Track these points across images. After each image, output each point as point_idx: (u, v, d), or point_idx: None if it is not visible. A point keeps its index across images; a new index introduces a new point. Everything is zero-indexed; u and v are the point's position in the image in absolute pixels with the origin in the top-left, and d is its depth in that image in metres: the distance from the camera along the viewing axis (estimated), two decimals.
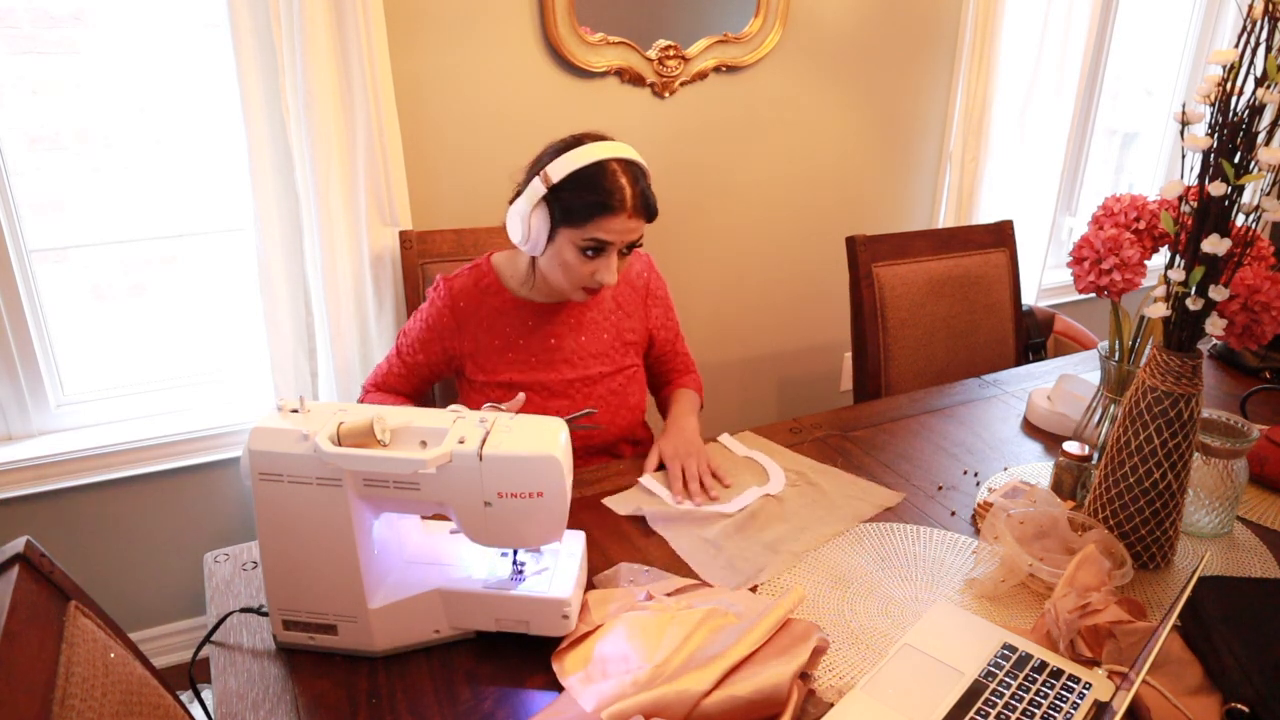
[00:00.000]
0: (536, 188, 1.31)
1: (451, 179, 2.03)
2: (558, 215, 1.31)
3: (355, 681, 0.98)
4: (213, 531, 2.04)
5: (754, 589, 1.14)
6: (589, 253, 1.33)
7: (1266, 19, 0.99)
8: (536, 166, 1.35)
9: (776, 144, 2.41)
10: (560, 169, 1.29)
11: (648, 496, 1.35)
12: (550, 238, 1.34)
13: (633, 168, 1.33)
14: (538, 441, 0.96)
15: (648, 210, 1.34)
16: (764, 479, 1.40)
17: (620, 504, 1.33)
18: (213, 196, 1.93)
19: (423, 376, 1.52)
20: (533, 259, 1.42)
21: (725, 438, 1.53)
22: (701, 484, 1.36)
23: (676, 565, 1.19)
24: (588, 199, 1.29)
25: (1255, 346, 1.26)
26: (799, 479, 1.40)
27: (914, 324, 2.02)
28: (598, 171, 1.30)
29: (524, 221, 1.33)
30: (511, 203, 1.38)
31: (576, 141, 1.33)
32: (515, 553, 1.04)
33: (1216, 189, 1.03)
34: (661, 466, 1.42)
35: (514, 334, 1.47)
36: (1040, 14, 2.53)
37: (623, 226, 1.32)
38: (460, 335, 1.47)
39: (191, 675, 1.04)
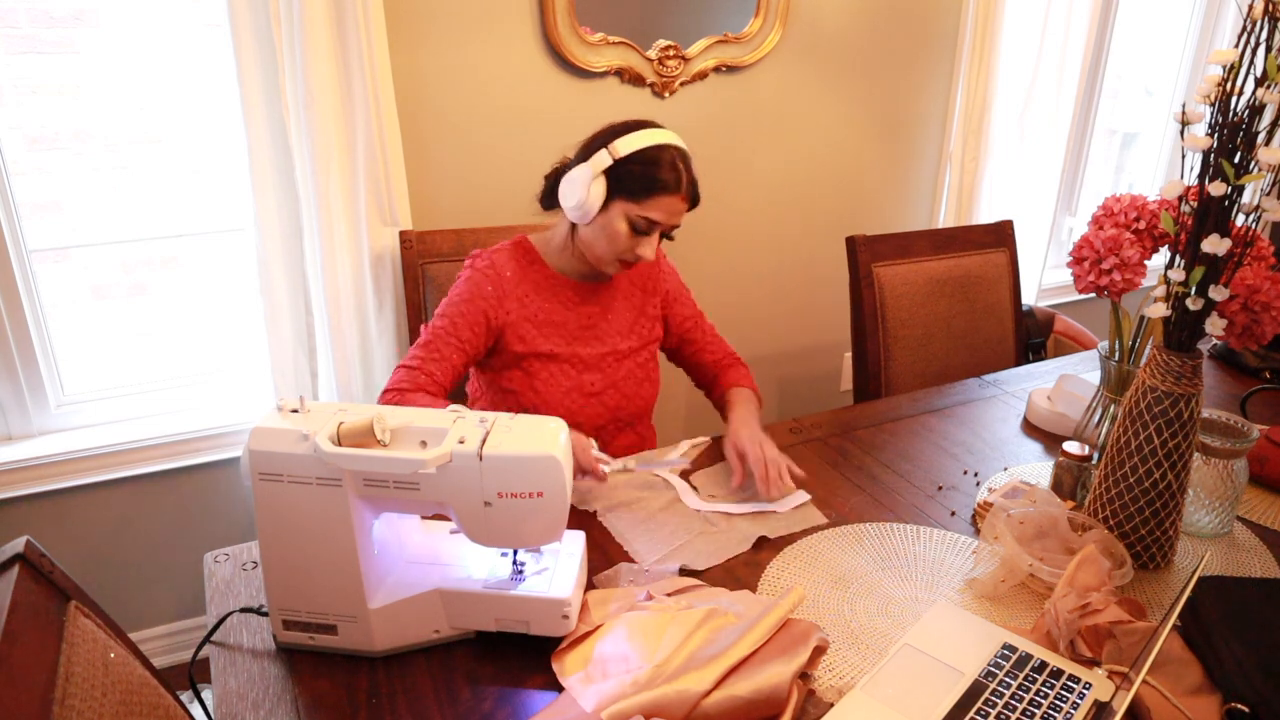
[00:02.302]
0: (602, 158, 1.38)
1: (451, 179, 2.03)
2: (617, 187, 1.39)
3: (355, 681, 0.98)
4: (213, 531, 2.04)
5: (754, 588, 1.15)
6: (637, 228, 1.40)
7: (1266, 19, 0.99)
8: (599, 141, 1.40)
9: (776, 144, 2.41)
10: (628, 145, 1.37)
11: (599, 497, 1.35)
12: (604, 207, 1.40)
13: (686, 156, 1.42)
14: (538, 441, 0.96)
15: (695, 198, 1.44)
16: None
17: (578, 499, 1.34)
18: (213, 196, 1.93)
19: (461, 360, 1.44)
20: (572, 228, 1.47)
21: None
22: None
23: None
24: (650, 176, 1.38)
25: (1255, 346, 1.26)
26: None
27: (914, 324, 2.02)
28: (661, 153, 1.39)
29: (584, 187, 1.38)
30: (559, 172, 1.45)
31: (636, 124, 1.41)
32: (515, 553, 1.04)
33: (1216, 189, 1.03)
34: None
35: (552, 306, 1.50)
36: (1040, 14, 2.53)
37: (674, 208, 1.41)
38: (502, 303, 1.47)
39: (191, 675, 1.04)
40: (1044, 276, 2.94)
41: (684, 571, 1.17)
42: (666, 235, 1.46)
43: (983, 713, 0.93)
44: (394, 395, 1.39)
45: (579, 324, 1.52)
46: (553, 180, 1.48)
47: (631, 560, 1.19)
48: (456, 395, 1.63)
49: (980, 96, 2.54)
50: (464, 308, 1.45)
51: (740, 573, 1.18)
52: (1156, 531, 1.19)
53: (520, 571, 1.03)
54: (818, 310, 2.68)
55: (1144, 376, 1.16)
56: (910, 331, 2.02)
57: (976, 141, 2.59)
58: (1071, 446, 1.34)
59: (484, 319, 1.46)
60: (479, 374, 1.57)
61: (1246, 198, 1.06)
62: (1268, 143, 1.02)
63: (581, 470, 1.33)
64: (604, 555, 1.21)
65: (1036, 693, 0.95)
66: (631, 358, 1.56)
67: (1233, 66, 1.02)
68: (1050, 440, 1.58)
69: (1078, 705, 0.94)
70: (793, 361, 2.72)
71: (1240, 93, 1.02)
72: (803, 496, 1.37)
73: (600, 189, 1.39)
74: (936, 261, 2.06)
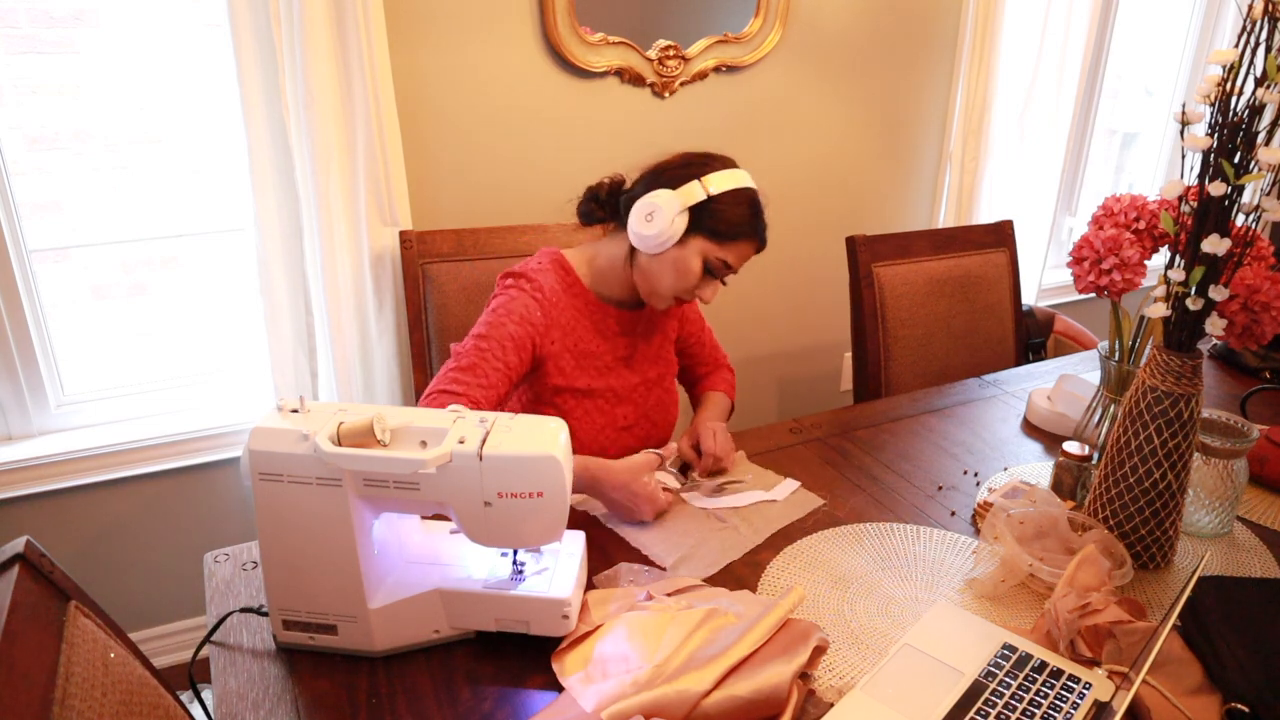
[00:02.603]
0: (694, 191, 1.30)
1: (451, 179, 2.03)
2: (700, 223, 1.32)
3: (355, 681, 0.98)
4: (213, 531, 2.04)
5: (754, 588, 1.15)
6: (710, 269, 1.34)
7: (1266, 19, 0.99)
8: (682, 172, 1.33)
9: (776, 144, 2.41)
10: (721, 183, 1.31)
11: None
12: (681, 241, 1.32)
13: (762, 201, 1.37)
14: (538, 441, 0.96)
15: (764, 246, 1.39)
16: (768, 486, 1.40)
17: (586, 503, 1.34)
18: (213, 196, 1.93)
19: (506, 387, 1.33)
20: (631, 253, 1.38)
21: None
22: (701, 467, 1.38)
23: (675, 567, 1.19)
24: (738, 218, 1.32)
25: (1255, 346, 1.26)
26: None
27: (914, 324, 2.02)
28: (751, 197, 1.34)
29: (668, 218, 1.29)
30: (614, 190, 1.40)
31: (720, 160, 1.35)
32: (515, 553, 1.04)
33: (1216, 189, 1.03)
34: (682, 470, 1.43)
35: (594, 336, 1.42)
36: (1040, 14, 2.53)
37: (747, 254, 1.36)
38: (549, 333, 1.37)
39: (191, 675, 1.04)
40: (1044, 276, 2.94)
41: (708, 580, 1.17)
42: (725, 280, 1.39)
43: (983, 713, 0.93)
44: None
45: (615, 355, 1.44)
46: (605, 195, 1.41)
47: (652, 564, 1.19)
48: None
49: (980, 96, 2.54)
50: (513, 330, 1.33)
51: (740, 573, 1.18)
52: (1156, 531, 1.19)
53: (520, 571, 1.03)
54: (818, 310, 2.68)
55: (1144, 376, 1.16)
56: (910, 331, 2.02)
57: (976, 141, 2.59)
58: (1071, 446, 1.34)
59: (530, 346, 1.35)
60: (511, 401, 1.47)
61: (1246, 198, 1.06)
62: (1268, 143, 1.02)
63: (652, 511, 1.28)
64: (604, 555, 1.21)
65: (1036, 693, 0.95)
66: (659, 384, 1.51)
67: (1233, 66, 1.02)
68: (1050, 440, 1.58)
69: (1078, 705, 0.94)
70: (793, 361, 2.72)
71: (1240, 93, 1.02)
72: (793, 484, 1.38)
73: (684, 222, 1.31)
74: (936, 261, 2.06)
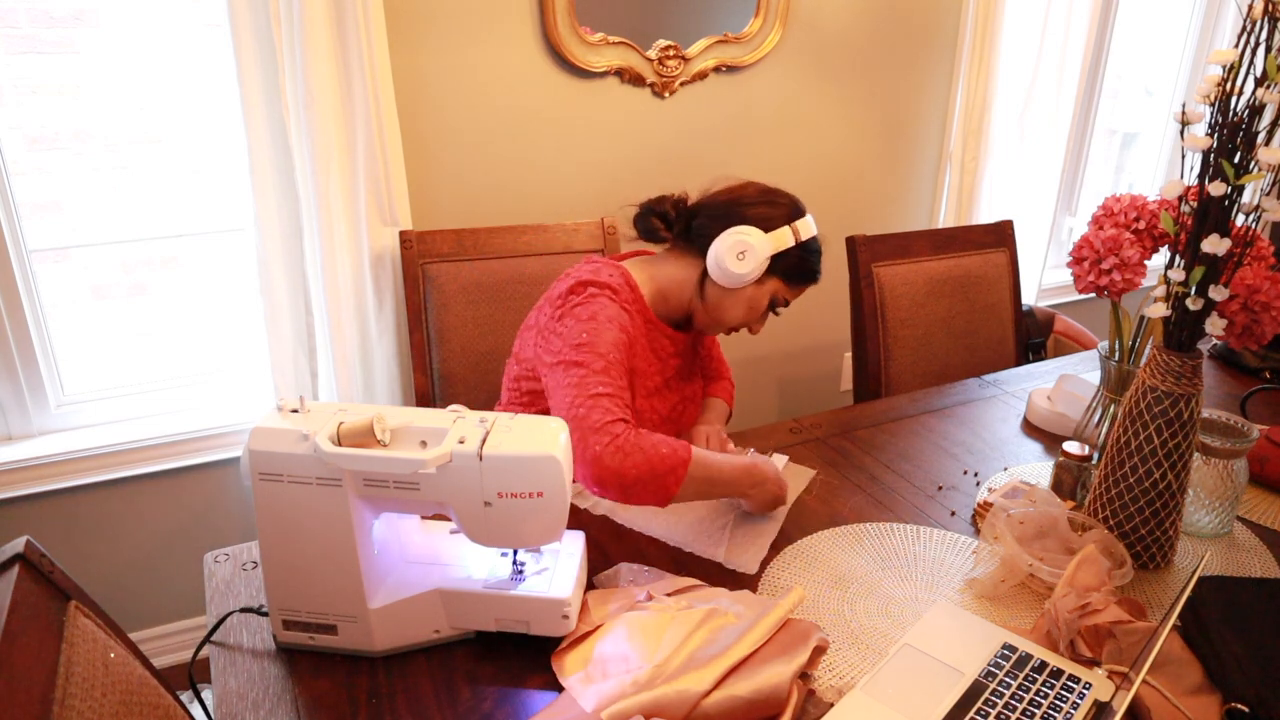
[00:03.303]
0: (786, 237, 1.33)
1: (451, 179, 2.03)
2: (783, 268, 1.36)
3: (355, 681, 0.98)
4: (213, 531, 2.04)
5: (754, 588, 1.15)
6: (775, 308, 1.40)
7: (1266, 19, 0.99)
8: (770, 212, 1.33)
9: (776, 144, 2.41)
10: (805, 230, 1.35)
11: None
12: (759, 280, 1.35)
13: None
14: (538, 441, 0.96)
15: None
16: None
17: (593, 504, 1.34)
18: (213, 196, 1.93)
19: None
20: (702, 281, 1.36)
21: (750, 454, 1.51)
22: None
23: (675, 567, 1.19)
24: (812, 267, 1.39)
25: (1255, 346, 1.26)
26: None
27: (914, 324, 2.02)
28: (819, 247, 1.40)
29: (760, 259, 1.31)
30: (678, 206, 1.40)
31: (796, 203, 1.37)
32: (515, 553, 1.04)
33: (1216, 189, 1.03)
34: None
35: (650, 355, 1.39)
36: (1040, 14, 2.53)
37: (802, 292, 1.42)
38: (632, 347, 1.32)
39: (191, 675, 1.04)
40: (1044, 276, 2.94)
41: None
42: None
43: (983, 713, 0.93)
44: (623, 427, 1.15)
45: (663, 376, 1.42)
46: (674, 215, 1.40)
47: (666, 565, 1.18)
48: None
49: (980, 96, 2.54)
50: (620, 339, 1.26)
51: (740, 572, 1.18)
52: (1156, 531, 1.19)
53: (520, 571, 1.03)
54: (818, 310, 2.68)
55: (1144, 376, 1.16)
56: (910, 331, 2.02)
57: (976, 141, 2.59)
58: (1071, 446, 1.34)
59: (629, 354, 1.30)
60: (533, 409, 1.39)
61: (1246, 198, 1.06)
62: (1268, 143, 1.02)
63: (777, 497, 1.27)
64: (604, 555, 1.21)
65: (1036, 693, 0.95)
66: (694, 401, 1.51)
67: (1233, 66, 1.02)
68: (1050, 440, 1.58)
69: (1078, 705, 0.94)
70: (793, 361, 2.72)
71: (1240, 93, 1.02)
72: (782, 458, 1.40)
73: (764, 263, 1.32)
74: (936, 261, 2.06)
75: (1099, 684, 0.97)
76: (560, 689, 0.96)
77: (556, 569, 1.04)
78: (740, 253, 1.30)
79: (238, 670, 1.00)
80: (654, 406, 1.40)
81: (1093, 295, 1.35)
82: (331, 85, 1.74)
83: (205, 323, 2.02)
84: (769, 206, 1.34)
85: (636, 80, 2.13)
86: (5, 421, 1.85)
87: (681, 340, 1.44)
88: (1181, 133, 1.09)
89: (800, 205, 1.38)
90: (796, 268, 1.36)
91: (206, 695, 1.71)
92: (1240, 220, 1.08)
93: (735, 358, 2.59)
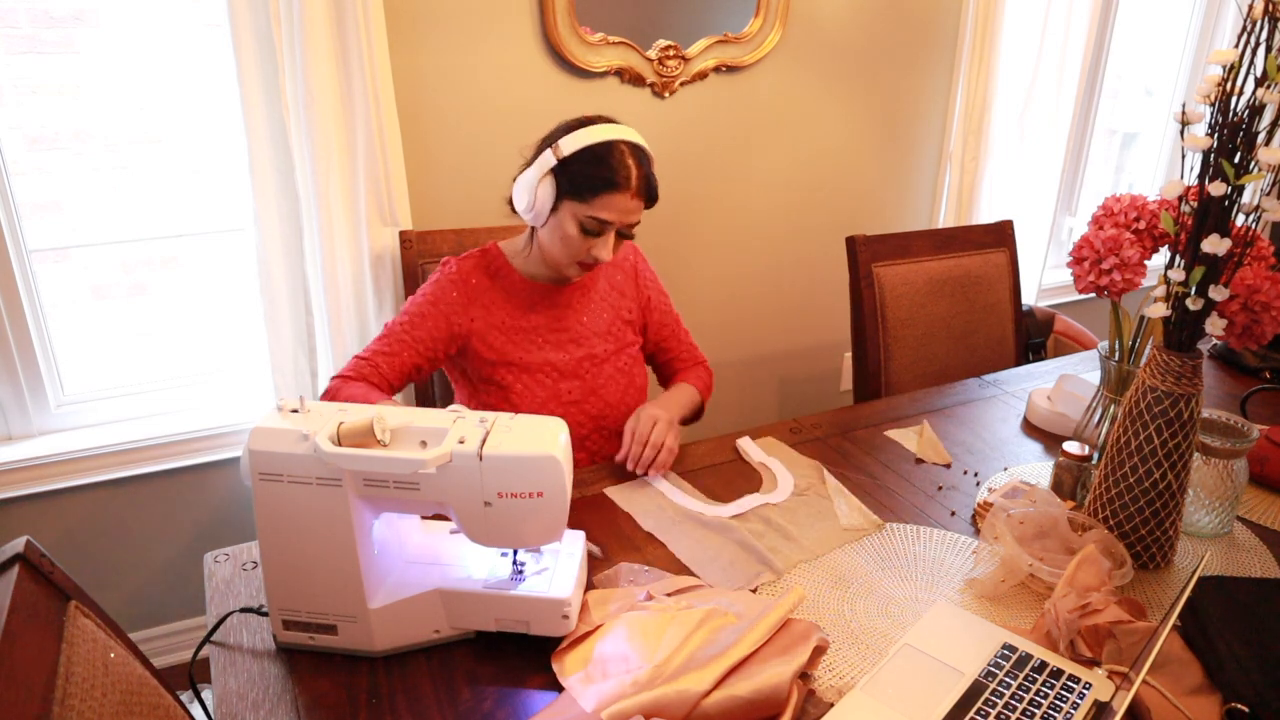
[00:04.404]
0: (547, 159, 1.35)
1: (451, 179, 2.03)
2: (564, 188, 1.36)
3: (355, 681, 0.98)
4: (213, 531, 2.04)
5: (754, 589, 1.15)
6: (587, 229, 1.37)
7: (1266, 19, 0.99)
8: (547, 141, 1.38)
9: (776, 144, 2.41)
10: (571, 144, 1.34)
11: (646, 497, 1.35)
12: (554, 209, 1.37)
13: (639, 151, 1.38)
14: (538, 441, 0.96)
15: (649, 194, 1.39)
16: (769, 487, 1.39)
17: (620, 497, 1.34)
18: (213, 196, 1.93)
19: (413, 359, 1.44)
20: (533, 231, 1.46)
21: (744, 441, 1.52)
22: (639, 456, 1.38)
23: (676, 566, 1.19)
24: (595, 174, 1.34)
25: (1255, 346, 1.26)
26: (808, 490, 1.39)
27: (914, 324, 2.02)
28: (607, 150, 1.34)
29: (530, 191, 1.36)
30: (519, 175, 1.41)
31: (587, 121, 1.38)
32: (515, 553, 1.04)
33: (1216, 189, 1.03)
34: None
35: (521, 313, 1.48)
36: (1040, 14, 2.53)
37: (624, 206, 1.36)
38: (468, 311, 1.46)
39: (191, 675, 1.04)
40: (1044, 276, 2.94)
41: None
42: (625, 234, 1.41)
43: (983, 713, 0.93)
44: (336, 381, 1.39)
45: (550, 328, 1.49)
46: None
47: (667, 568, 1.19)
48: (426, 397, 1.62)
49: (980, 96, 2.54)
50: (426, 309, 1.45)
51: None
52: (1156, 531, 1.19)
53: (520, 571, 1.03)
54: (818, 310, 2.68)
55: (1144, 376, 1.16)
56: (910, 331, 2.02)
57: (976, 141, 2.59)
58: (1071, 446, 1.34)
59: (445, 324, 1.45)
60: (461, 388, 1.56)
61: (1246, 198, 1.06)
62: (1268, 143, 1.02)
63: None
64: (604, 555, 1.21)
65: (1036, 693, 0.95)
66: (610, 361, 1.54)
67: (1233, 66, 1.02)
68: (1050, 440, 1.58)
69: (1078, 705, 0.94)
70: (793, 361, 2.72)
71: (1240, 93, 1.02)
72: (789, 481, 1.39)
73: (548, 191, 1.35)
74: (936, 261, 2.06)
75: (1099, 684, 0.97)
76: (560, 689, 0.96)
77: (556, 569, 1.04)
78: (517, 193, 1.39)
79: (238, 670, 1.00)
80: (548, 359, 1.48)
81: (1093, 295, 1.35)
82: (331, 85, 1.74)
83: (205, 323, 2.02)
84: (543, 140, 1.39)
85: (636, 80, 2.13)
86: (5, 421, 1.85)
87: (556, 292, 1.50)
88: (1181, 133, 1.09)
89: (577, 124, 1.36)
90: (572, 183, 1.35)
91: (206, 695, 1.71)
92: (1240, 220, 1.08)
93: (735, 357, 2.59)
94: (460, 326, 1.46)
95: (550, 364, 1.49)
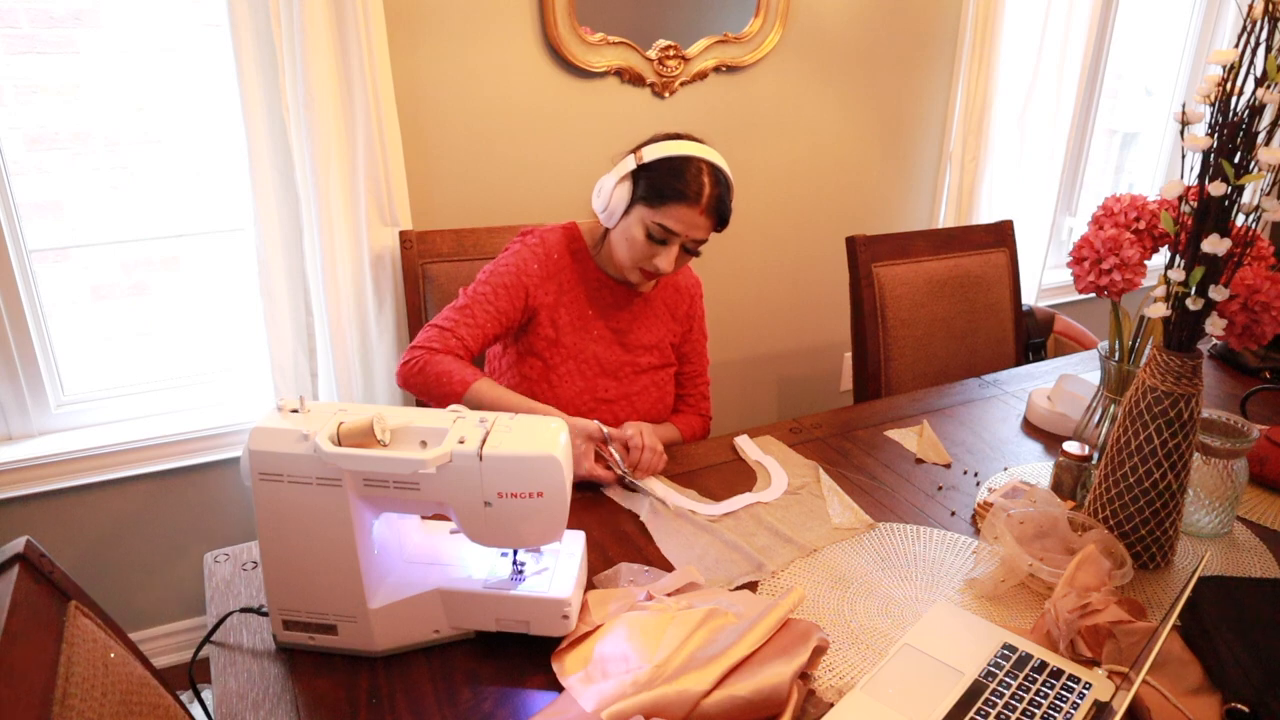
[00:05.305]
0: (628, 163, 1.41)
1: (451, 179, 2.03)
2: (638, 192, 1.40)
3: (355, 681, 0.98)
4: (213, 531, 2.04)
5: (754, 589, 1.15)
6: (653, 236, 1.40)
7: (1266, 19, 0.99)
8: (635, 148, 1.43)
9: (776, 144, 2.41)
10: (654, 152, 1.40)
11: (642, 496, 1.35)
12: (626, 211, 1.42)
13: (717, 172, 1.41)
14: (538, 441, 0.96)
15: (720, 215, 1.42)
16: (763, 485, 1.39)
17: (621, 497, 1.34)
18: (213, 196, 1.93)
19: (494, 329, 1.46)
20: (606, 229, 1.49)
21: (742, 440, 1.52)
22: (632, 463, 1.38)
23: (667, 565, 1.19)
24: (668, 184, 1.38)
25: (1255, 346, 1.26)
26: (802, 488, 1.39)
27: (914, 324, 2.02)
28: (684, 163, 1.39)
29: (608, 191, 1.42)
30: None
31: (678, 136, 1.43)
32: (515, 553, 1.04)
33: (1216, 189, 1.03)
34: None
35: (590, 302, 1.51)
36: (1040, 14, 2.53)
37: (692, 220, 1.39)
38: (545, 285, 1.48)
39: (191, 675, 1.04)
40: (1044, 276, 2.94)
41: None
42: (690, 251, 1.44)
43: (983, 713, 0.93)
44: (422, 353, 1.40)
45: (607, 326, 1.53)
46: None
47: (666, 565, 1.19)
48: (479, 362, 1.63)
49: (980, 96, 2.54)
50: (508, 279, 1.46)
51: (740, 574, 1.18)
52: (1156, 531, 1.19)
53: (520, 571, 1.03)
54: (818, 310, 2.68)
55: (1144, 376, 1.16)
56: (910, 331, 2.02)
57: (976, 141, 2.59)
58: (1071, 446, 1.34)
59: (524, 294, 1.47)
60: (507, 349, 1.55)
61: (1246, 198, 1.06)
62: (1268, 143, 1.02)
63: (581, 475, 1.33)
64: (604, 555, 1.21)
65: (1036, 693, 0.95)
66: (649, 375, 1.57)
67: (1233, 66, 1.02)
68: (1050, 440, 1.58)
69: (1078, 705, 0.94)
70: (793, 361, 2.72)
71: (1240, 93, 1.02)
72: (782, 479, 1.40)
73: (624, 193, 1.40)
74: (936, 261, 2.06)
75: (1099, 684, 0.97)
76: (560, 689, 0.96)
77: (556, 569, 1.04)
78: (597, 191, 1.45)
79: (238, 670, 1.00)
80: (597, 353, 1.51)
81: (1093, 295, 1.35)
82: (331, 85, 1.74)
83: (205, 323, 2.02)
84: (633, 148, 1.44)
85: (636, 80, 2.13)
86: (5, 421, 1.85)
87: (625, 294, 1.54)
88: (1181, 133, 1.09)
89: (667, 137, 1.42)
90: (646, 188, 1.39)
91: (206, 695, 1.71)
92: (1240, 220, 1.08)
93: (735, 357, 2.59)
94: (535, 299, 1.48)
95: (598, 358, 1.51)
